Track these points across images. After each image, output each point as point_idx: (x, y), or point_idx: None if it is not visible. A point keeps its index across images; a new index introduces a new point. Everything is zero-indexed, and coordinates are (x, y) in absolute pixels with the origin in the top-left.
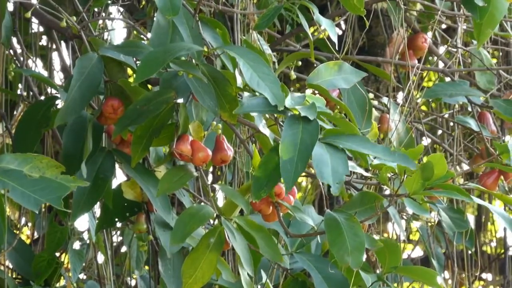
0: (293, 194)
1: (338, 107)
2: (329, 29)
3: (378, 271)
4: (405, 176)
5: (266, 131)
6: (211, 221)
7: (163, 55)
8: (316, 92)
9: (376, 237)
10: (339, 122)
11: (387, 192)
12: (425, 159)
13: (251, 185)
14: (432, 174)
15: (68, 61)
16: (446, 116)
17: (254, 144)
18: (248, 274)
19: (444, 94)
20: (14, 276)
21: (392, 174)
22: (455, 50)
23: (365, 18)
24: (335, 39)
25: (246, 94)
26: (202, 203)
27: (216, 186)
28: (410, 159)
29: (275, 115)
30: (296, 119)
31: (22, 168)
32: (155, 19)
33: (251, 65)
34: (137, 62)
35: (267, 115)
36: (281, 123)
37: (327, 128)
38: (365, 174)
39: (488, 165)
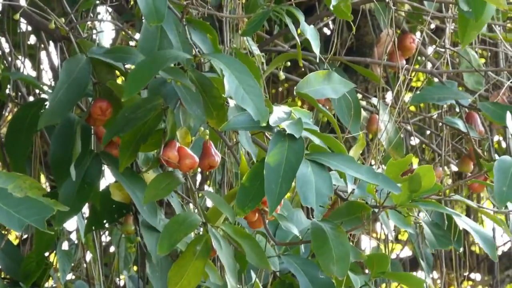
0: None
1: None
2: (313, 40)
3: (367, 271)
4: None
5: (248, 147)
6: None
7: (151, 67)
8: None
9: (365, 237)
10: (326, 140)
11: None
12: (414, 161)
13: (236, 199)
14: (420, 186)
15: (56, 61)
16: (435, 116)
17: (241, 151)
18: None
19: (432, 98)
20: (2, 277)
21: None
22: (443, 50)
23: (351, 23)
24: (317, 51)
25: (232, 102)
26: (190, 204)
27: (203, 193)
28: (393, 183)
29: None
30: (282, 136)
31: (6, 186)
32: (144, 21)
33: (236, 76)
34: (125, 64)
35: None
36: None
37: (313, 144)
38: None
39: (476, 181)
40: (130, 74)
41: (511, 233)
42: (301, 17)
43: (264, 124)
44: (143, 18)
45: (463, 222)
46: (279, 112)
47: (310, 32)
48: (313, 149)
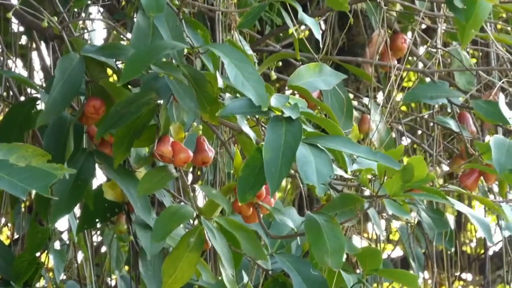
0: (274, 195)
1: (319, 107)
2: (313, 27)
3: (358, 271)
4: (385, 178)
5: (249, 132)
6: (192, 222)
7: (147, 55)
8: (296, 93)
9: (357, 237)
10: (322, 122)
11: (367, 193)
12: (405, 160)
13: (236, 187)
14: (412, 176)
15: (48, 61)
16: (426, 116)
17: (236, 146)
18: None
19: (424, 96)
20: None
21: (372, 176)
22: (434, 50)
23: (349, 14)
24: (319, 37)
25: (227, 95)
26: (182, 203)
27: (197, 187)
28: (393, 159)
29: (257, 116)
30: (279, 120)
31: (8, 158)
32: (135, 20)
33: (236, 64)
34: (117, 62)
35: (248, 116)
36: (263, 124)
37: (309, 132)
38: (346, 176)
39: (469, 166)
40: (128, 60)
41: (509, 230)
42: (298, 8)
43: (266, 109)
44: (134, 17)
45: (458, 203)
46: (276, 97)
47: (309, 20)
48: (309, 135)
